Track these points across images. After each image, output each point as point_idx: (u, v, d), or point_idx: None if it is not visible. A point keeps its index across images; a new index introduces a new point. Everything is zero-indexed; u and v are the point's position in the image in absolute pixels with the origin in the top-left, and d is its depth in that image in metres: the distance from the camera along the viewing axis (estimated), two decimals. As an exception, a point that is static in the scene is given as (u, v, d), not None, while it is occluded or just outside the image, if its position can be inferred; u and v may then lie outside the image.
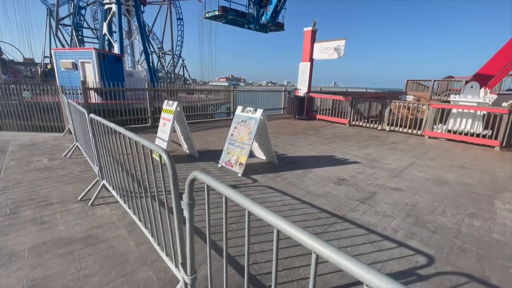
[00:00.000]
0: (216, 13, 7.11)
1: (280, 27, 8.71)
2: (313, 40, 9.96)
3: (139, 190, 2.30)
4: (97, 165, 3.06)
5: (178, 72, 43.56)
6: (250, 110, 4.31)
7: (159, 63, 35.73)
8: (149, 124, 8.04)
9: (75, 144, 4.92)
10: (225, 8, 7.46)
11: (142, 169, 1.95)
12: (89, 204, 3.02)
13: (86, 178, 3.83)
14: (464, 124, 7.22)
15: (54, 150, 5.23)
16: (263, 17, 7.65)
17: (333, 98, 9.94)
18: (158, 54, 34.98)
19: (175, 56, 37.68)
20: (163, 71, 38.39)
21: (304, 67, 10.31)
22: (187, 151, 5.37)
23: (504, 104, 8.94)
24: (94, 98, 10.72)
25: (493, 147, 6.62)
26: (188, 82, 46.35)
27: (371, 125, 9.16)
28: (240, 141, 4.28)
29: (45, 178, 3.78)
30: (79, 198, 3.15)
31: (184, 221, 1.44)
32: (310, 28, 9.89)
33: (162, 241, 1.92)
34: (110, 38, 17.96)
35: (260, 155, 4.95)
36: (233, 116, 10.43)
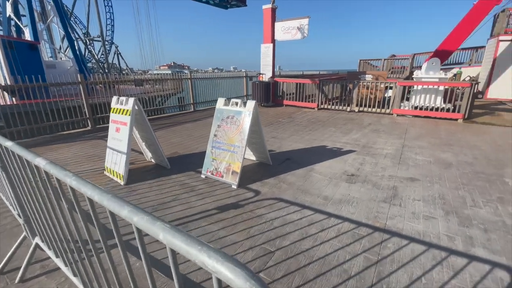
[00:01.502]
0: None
1: (242, 2, 7.66)
2: (273, 19, 9.16)
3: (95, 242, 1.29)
4: (20, 216, 1.84)
5: (112, 60, 38.39)
6: (237, 103, 3.39)
7: (87, 51, 30.63)
8: (89, 128, 6.38)
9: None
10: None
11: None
12: (17, 279, 1.83)
13: (6, 227, 2.49)
14: (428, 100, 7.47)
15: None
16: (224, -12, 6.51)
17: (300, 82, 9.45)
18: (84, 41, 29.83)
19: (106, 43, 32.74)
20: (93, 60, 33.22)
21: (266, 49, 9.51)
22: (153, 160, 4.20)
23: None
24: (4, 98, 8.20)
25: (456, 119, 6.97)
26: (124, 72, 41.24)
27: (339, 107, 9.00)
28: (229, 143, 3.36)
29: None
30: (-5, 271, 1.91)
31: None
32: (269, 6, 9.03)
33: None
34: (18, 22, 14.18)
35: (249, 155, 4.11)
36: (193, 108, 9.27)
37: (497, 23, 10.69)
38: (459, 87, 7.10)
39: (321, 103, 9.18)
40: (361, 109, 8.50)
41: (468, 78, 10.46)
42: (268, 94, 9.42)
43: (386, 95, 8.70)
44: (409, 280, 1.83)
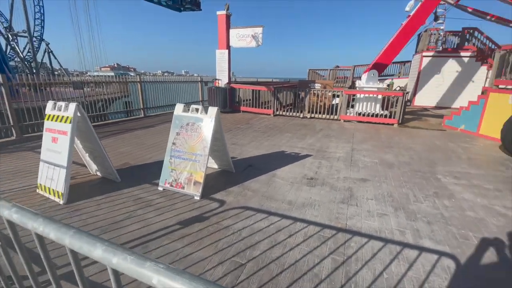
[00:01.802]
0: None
1: (196, 6, 7.45)
2: (228, 26, 9.16)
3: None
4: None
5: (42, 59, 33.63)
6: (197, 109, 3.24)
7: (9, 48, 26.23)
8: (14, 137, 5.39)
9: None
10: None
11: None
12: None
13: None
14: (369, 107, 8.31)
15: None
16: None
17: (256, 89, 9.60)
18: (5, 36, 25.49)
19: (35, 39, 28.55)
20: (18, 59, 28.60)
21: (221, 55, 9.43)
22: (98, 173, 3.73)
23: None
24: None
25: (393, 124, 7.89)
26: (57, 73, 36.44)
27: (293, 114, 9.39)
28: (190, 151, 3.17)
29: None
30: None
31: None
32: (223, 12, 9.02)
33: None
34: None
35: (211, 163, 3.96)
36: (143, 114, 8.57)
37: (421, 41, 12.59)
38: (393, 96, 8.07)
39: (277, 110, 9.46)
40: (312, 115, 9.01)
41: (399, 88, 11.99)
42: (225, 100, 9.33)
43: (333, 102, 9.40)
44: (373, 276, 1.94)
